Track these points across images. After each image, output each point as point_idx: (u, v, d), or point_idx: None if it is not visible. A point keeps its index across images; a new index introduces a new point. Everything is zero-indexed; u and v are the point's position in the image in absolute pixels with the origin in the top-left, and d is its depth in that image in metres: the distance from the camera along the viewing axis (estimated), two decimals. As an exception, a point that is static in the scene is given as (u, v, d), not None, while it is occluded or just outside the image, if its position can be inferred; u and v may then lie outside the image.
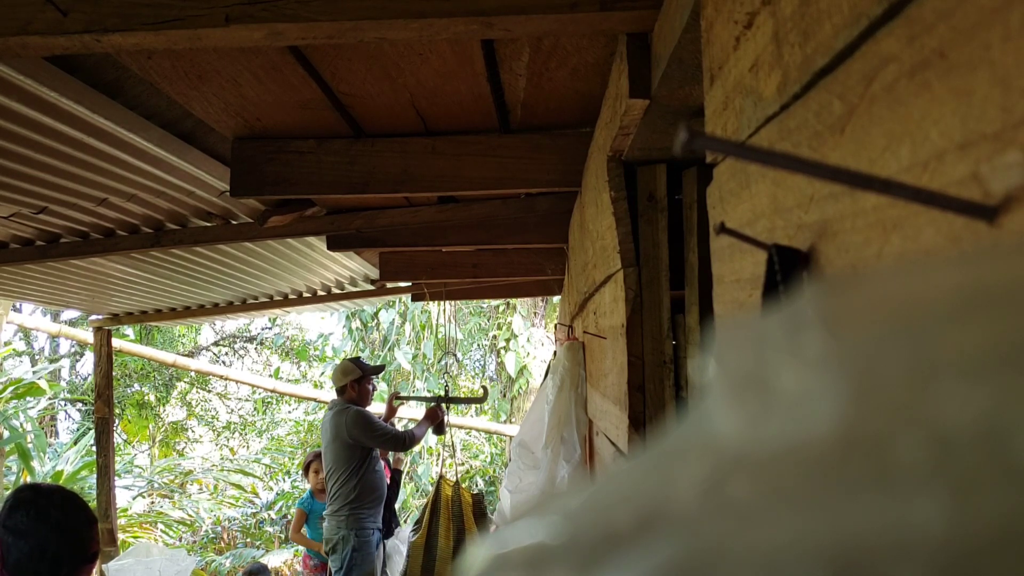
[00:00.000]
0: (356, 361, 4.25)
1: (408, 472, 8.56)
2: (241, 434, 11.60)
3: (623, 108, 1.33)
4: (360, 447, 3.96)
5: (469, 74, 1.71)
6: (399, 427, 4.52)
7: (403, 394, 5.10)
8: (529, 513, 0.24)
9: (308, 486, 5.03)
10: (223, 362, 12.32)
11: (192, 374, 10.99)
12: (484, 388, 4.97)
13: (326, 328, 11.30)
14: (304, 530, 4.80)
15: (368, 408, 4.21)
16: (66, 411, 11.24)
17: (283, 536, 8.10)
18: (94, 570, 1.64)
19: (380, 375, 4.40)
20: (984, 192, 0.35)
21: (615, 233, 1.57)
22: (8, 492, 5.74)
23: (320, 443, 4.38)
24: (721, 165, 0.82)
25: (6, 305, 5.31)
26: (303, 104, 1.86)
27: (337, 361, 10.39)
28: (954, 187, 0.37)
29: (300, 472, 7.27)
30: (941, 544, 0.17)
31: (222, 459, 9.89)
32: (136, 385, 11.12)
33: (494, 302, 9.61)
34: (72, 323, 9.70)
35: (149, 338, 10.94)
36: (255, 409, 11.73)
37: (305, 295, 4.91)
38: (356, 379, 4.12)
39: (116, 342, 5.77)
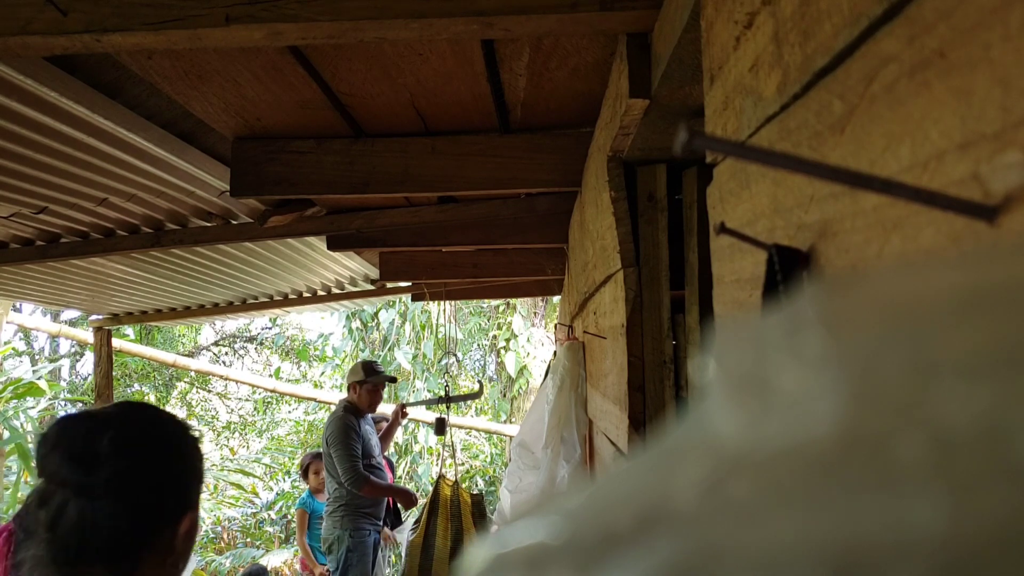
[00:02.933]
0: (366, 364, 4.24)
1: (408, 472, 8.57)
2: (241, 434, 11.60)
3: (623, 108, 1.33)
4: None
5: (469, 74, 1.71)
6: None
7: (410, 401, 5.11)
8: (529, 513, 0.24)
9: (307, 486, 5.03)
10: (223, 362, 12.33)
11: (192, 374, 10.99)
12: (480, 383, 5.00)
13: (326, 328, 11.30)
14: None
15: (372, 413, 4.21)
16: (66, 411, 11.22)
17: (283, 536, 8.10)
18: None
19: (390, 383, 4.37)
20: (984, 192, 0.35)
21: (615, 233, 1.57)
22: (8, 492, 5.74)
23: (318, 443, 4.39)
24: (721, 165, 0.82)
25: (6, 305, 5.30)
26: (303, 104, 1.86)
27: (338, 361, 10.43)
28: (954, 187, 0.37)
29: (299, 473, 7.27)
30: (941, 544, 0.17)
31: (222, 459, 9.88)
32: (136, 385, 11.12)
33: (494, 302, 9.61)
34: (72, 323, 9.70)
35: (149, 338, 10.94)
36: (255, 409, 11.73)
37: (305, 295, 4.91)
38: (358, 381, 4.11)
39: (116, 342, 5.77)
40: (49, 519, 0.86)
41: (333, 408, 4.19)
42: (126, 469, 0.87)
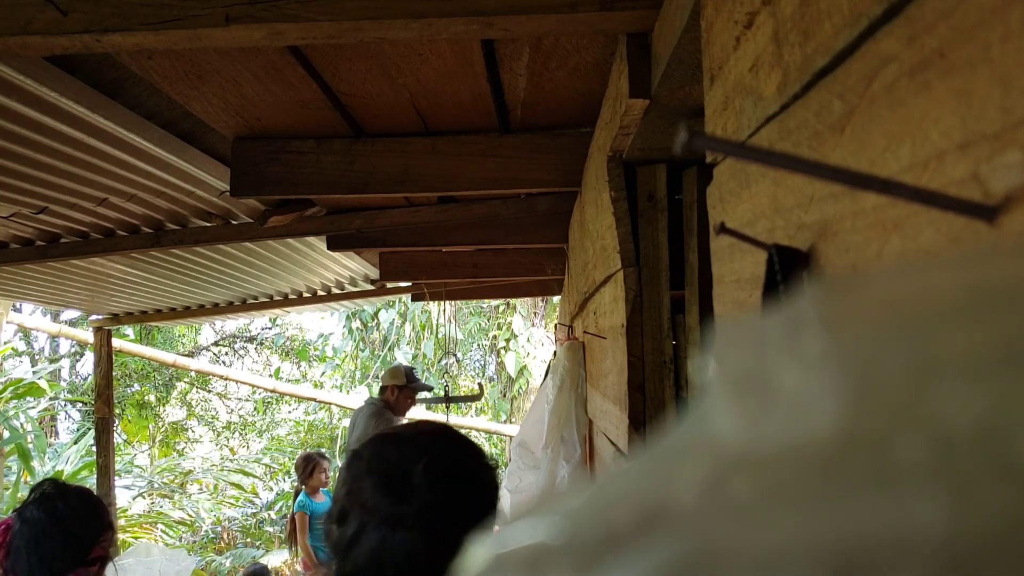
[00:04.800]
0: (409, 371, 4.24)
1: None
2: (241, 434, 11.60)
3: (623, 108, 1.33)
4: None
5: (469, 74, 1.71)
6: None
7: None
8: (529, 513, 0.24)
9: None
10: (223, 362, 12.32)
11: (192, 374, 10.99)
12: (480, 386, 5.00)
13: (326, 328, 11.30)
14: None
15: (403, 418, 4.19)
16: (66, 411, 11.23)
17: (283, 536, 8.10)
18: (103, 574, 1.63)
19: (422, 391, 4.36)
20: (984, 192, 0.35)
21: (615, 233, 1.57)
22: (8, 492, 5.74)
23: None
24: (721, 165, 0.82)
25: (6, 305, 5.31)
26: (303, 104, 1.86)
27: (337, 361, 10.41)
28: (954, 187, 0.37)
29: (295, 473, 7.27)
30: (941, 544, 0.17)
31: (222, 459, 9.89)
32: (136, 385, 11.12)
33: (494, 302, 9.61)
34: (72, 323, 9.69)
35: (149, 338, 10.93)
36: (255, 409, 11.73)
37: (305, 295, 4.91)
38: (399, 386, 4.11)
39: (116, 342, 5.77)
40: (346, 540, 0.82)
41: (361, 407, 4.14)
42: (435, 502, 0.82)
